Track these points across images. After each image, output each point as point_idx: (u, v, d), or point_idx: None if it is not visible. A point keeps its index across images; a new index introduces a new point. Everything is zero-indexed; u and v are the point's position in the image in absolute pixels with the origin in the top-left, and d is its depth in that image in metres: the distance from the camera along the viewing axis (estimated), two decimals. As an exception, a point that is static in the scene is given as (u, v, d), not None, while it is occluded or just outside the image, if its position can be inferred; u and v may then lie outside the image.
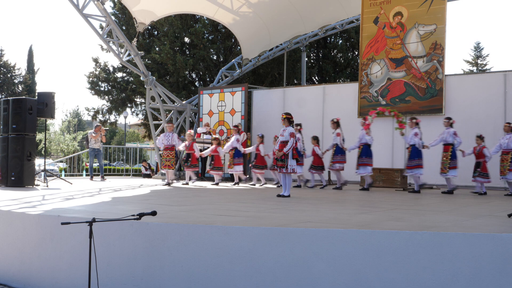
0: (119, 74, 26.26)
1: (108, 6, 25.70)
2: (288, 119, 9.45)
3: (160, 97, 16.50)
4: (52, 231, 5.83)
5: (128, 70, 24.51)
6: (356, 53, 25.22)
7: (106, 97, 26.46)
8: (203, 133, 15.57)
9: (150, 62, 23.19)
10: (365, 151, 11.71)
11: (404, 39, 14.12)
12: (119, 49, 15.44)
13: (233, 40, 22.81)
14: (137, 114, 30.23)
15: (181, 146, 13.19)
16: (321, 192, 11.25)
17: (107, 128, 17.11)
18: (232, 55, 22.96)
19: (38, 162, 13.70)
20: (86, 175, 18.07)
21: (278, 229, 4.99)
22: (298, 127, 12.06)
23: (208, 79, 24.00)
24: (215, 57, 24.18)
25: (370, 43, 14.68)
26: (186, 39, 24.08)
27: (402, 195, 10.70)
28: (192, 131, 14.29)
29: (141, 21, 15.75)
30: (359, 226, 5.25)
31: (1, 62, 42.00)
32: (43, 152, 20.51)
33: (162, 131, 16.07)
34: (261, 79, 23.57)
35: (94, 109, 27.61)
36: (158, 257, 5.19)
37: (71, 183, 12.37)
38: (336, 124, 12.19)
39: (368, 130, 11.86)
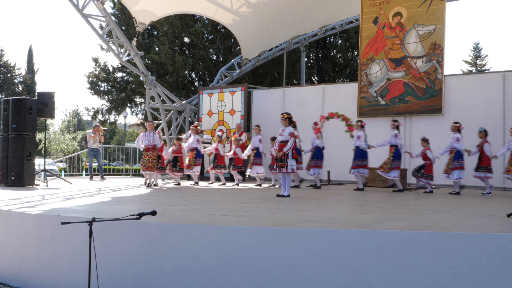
0: (119, 74, 26.27)
1: (108, 6, 25.73)
2: (289, 119, 9.45)
3: (160, 97, 16.50)
4: (52, 231, 5.83)
5: (127, 70, 24.52)
6: (356, 53, 25.23)
7: (106, 97, 26.47)
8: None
9: (149, 62, 23.19)
10: (317, 154, 12.33)
11: (403, 39, 14.13)
12: (119, 49, 15.44)
13: (232, 40, 22.82)
14: (136, 114, 30.26)
15: (167, 154, 12.85)
16: (321, 192, 11.25)
17: (106, 128, 17.08)
18: (231, 55, 22.96)
19: (38, 162, 13.70)
20: (86, 175, 18.06)
21: (278, 229, 5.00)
22: (396, 123, 11.94)
23: (207, 79, 24.00)
24: (214, 57, 24.19)
25: (370, 43, 14.69)
26: (186, 39, 24.09)
27: (402, 195, 10.70)
28: (184, 135, 14.16)
29: (140, 21, 15.75)
30: (359, 226, 5.25)
31: (1, 62, 41.98)
32: (43, 152, 20.51)
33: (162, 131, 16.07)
34: (260, 79, 23.58)
35: (93, 109, 27.63)
36: (158, 257, 5.19)
37: (71, 183, 12.37)
38: (259, 130, 12.88)
39: (318, 134, 12.48)
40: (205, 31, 23.14)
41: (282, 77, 22.01)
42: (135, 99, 26.62)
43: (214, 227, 5.12)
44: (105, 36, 15.00)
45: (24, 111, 11.23)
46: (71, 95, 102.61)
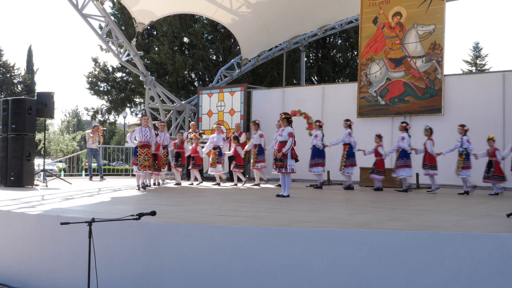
0: (118, 74, 26.27)
1: (108, 6, 25.73)
2: (287, 119, 9.46)
3: (160, 97, 16.49)
4: (51, 231, 5.83)
5: (127, 70, 24.51)
6: (355, 53, 25.23)
7: (106, 97, 26.46)
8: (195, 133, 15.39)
9: (149, 62, 23.19)
10: (316, 153, 12.38)
11: (403, 39, 14.13)
12: (119, 49, 15.44)
13: (232, 40, 22.81)
14: (136, 114, 30.24)
15: (187, 151, 12.93)
16: (321, 192, 11.25)
17: (105, 129, 17.07)
18: (231, 55, 22.95)
19: (38, 162, 13.69)
20: (86, 175, 18.05)
21: (278, 229, 4.99)
22: (348, 123, 12.42)
23: (207, 79, 23.99)
24: (214, 57, 24.18)
25: (369, 43, 14.69)
26: (186, 39, 24.08)
27: (402, 195, 10.70)
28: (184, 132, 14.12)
29: (140, 21, 15.74)
30: (359, 226, 5.25)
31: (1, 62, 41.97)
32: (42, 152, 20.50)
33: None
34: (260, 79, 23.58)
35: (93, 109, 27.62)
36: (158, 257, 5.19)
37: (71, 183, 12.36)
38: (257, 125, 12.92)
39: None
40: (204, 31, 23.14)
41: (281, 77, 22.01)
42: (134, 99, 26.61)
43: (214, 227, 5.12)
44: (105, 36, 15.00)
45: (24, 111, 11.22)
46: (71, 95, 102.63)
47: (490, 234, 4.55)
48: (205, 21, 22.93)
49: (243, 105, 15.93)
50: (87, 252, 4.35)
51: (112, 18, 19.82)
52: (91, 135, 14.76)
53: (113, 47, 15.25)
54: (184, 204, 7.76)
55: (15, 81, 43.05)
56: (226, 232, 5.02)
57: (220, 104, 16.51)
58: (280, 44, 18.93)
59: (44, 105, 11.48)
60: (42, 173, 12.18)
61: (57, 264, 5.77)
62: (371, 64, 14.60)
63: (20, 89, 42.48)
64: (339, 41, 26.11)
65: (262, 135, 12.91)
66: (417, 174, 12.43)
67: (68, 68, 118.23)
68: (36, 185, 11.40)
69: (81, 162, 27.83)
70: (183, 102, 18.07)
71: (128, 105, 27.43)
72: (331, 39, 26.03)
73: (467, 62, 40.94)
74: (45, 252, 5.90)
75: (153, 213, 4.47)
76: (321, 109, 15.47)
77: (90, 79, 26.09)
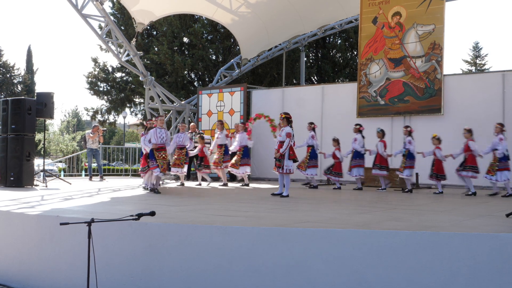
0: (118, 74, 26.26)
1: (107, 6, 25.68)
2: (287, 119, 9.42)
3: (159, 97, 16.49)
4: (51, 231, 5.83)
5: (127, 70, 24.50)
6: (355, 53, 25.23)
7: (105, 97, 26.46)
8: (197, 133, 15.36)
9: (149, 62, 23.18)
10: (246, 153, 12.67)
11: (402, 39, 14.13)
12: (118, 49, 15.43)
13: (232, 40, 22.81)
14: (136, 114, 30.23)
15: (195, 150, 12.75)
16: (320, 192, 11.25)
17: (105, 129, 17.07)
18: (231, 55, 22.95)
19: (37, 162, 13.68)
20: (85, 175, 18.06)
21: (277, 229, 4.99)
22: (312, 125, 12.62)
23: (207, 79, 23.99)
24: (214, 57, 24.18)
25: (369, 43, 14.69)
26: (185, 39, 24.08)
27: (401, 195, 10.70)
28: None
29: (140, 21, 15.73)
30: (358, 226, 5.25)
31: (0, 62, 41.95)
32: (42, 152, 20.51)
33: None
34: (260, 79, 23.57)
35: (93, 109, 27.62)
36: (157, 257, 5.19)
37: (70, 183, 12.36)
38: (223, 125, 13.14)
39: (249, 135, 13.16)
40: (204, 31, 23.13)
41: (281, 77, 22.00)
42: (134, 99, 26.61)
43: (214, 227, 5.12)
44: (104, 36, 14.99)
45: (23, 112, 11.22)
46: (71, 95, 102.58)
47: (490, 234, 4.55)
48: (204, 21, 22.93)
49: (242, 105, 15.93)
50: (87, 253, 4.35)
51: (112, 18, 19.78)
52: (91, 135, 14.75)
53: (113, 47, 15.25)
54: (183, 204, 7.76)
55: (15, 81, 43.04)
56: (226, 232, 5.03)
57: (219, 104, 16.51)
58: (280, 44, 18.93)
59: (43, 105, 11.48)
60: (41, 173, 12.17)
61: (57, 264, 5.77)
62: (370, 64, 14.60)
63: (20, 89, 42.47)
64: (339, 41, 26.10)
65: (227, 135, 13.03)
66: (417, 174, 12.43)
67: (68, 68, 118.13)
68: (36, 185, 11.40)
69: (81, 162, 27.83)
70: (182, 102, 18.06)
71: (128, 105, 27.43)
72: (331, 39, 26.03)
73: (466, 62, 40.93)
74: (44, 252, 5.91)
75: (152, 214, 4.47)
76: (320, 109, 15.47)
77: (90, 79, 26.09)
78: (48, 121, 24.86)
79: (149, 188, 10.54)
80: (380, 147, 11.66)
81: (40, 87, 59.31)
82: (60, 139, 40.93)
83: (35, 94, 12.42)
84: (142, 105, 27.03)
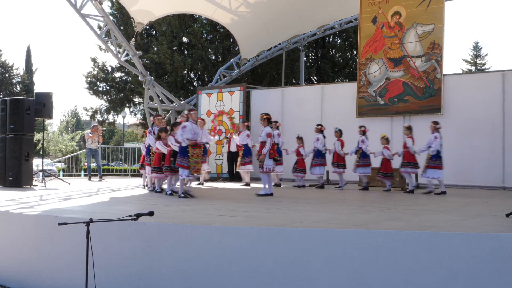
0: (118, 74, 26.25)
1: (106, 6, 25.71)
2: (268, 120, 9.64)
3: (159, 97, 16.47)
4: (50, 231, 5.82)
5: (126, 70, 24.48)
6: (355, 52, 25.22)
7: (105, 97, 26.44)
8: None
9: (148, 62, 23.17)
10: (247, 152, 12.70)
11: (402, 38, 14.12)
12: (117, 49, 15.42)
13: (231, 40, 22.79)
14: (135, 114, 30.22)
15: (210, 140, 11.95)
16: (320, 192, 11.24)
17: (104, 129, 17.04)
18: (230, 55, 22.93)
19: (36, 162, 13.68)
20: (85, 175, 18.03)
21: (277, 229, 4.98)
22: (277, 124, 12.65)
23: (206, 79, 23.98)
24: (213, 57, 24.16)
25: (369, 42, 14.67)
26: (185, 39, 24.07)
27: (400, 195, 10.69)
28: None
29: (139, 21, 15.72)
30: (358, 226, 5.24)
31: (-1, 62, 41.95)
32: (41, 152, 20.49)
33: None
34: (259, 79, 23.56)
35: (92, 109, 27.59)
36: (156, 258, 5.18)
37: (69, 183, 12.35)
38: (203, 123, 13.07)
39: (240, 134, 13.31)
40: (203, 31, 23.12)
41: (281, 77, 21.99)
42: (133, 99, 26.61)
43: (213, 227, 5.11)
44: (104, 36, 14.98)
45: (22, 112, 11.20)
46: (70, 95, 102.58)
47: (489, 234, 4.54)
48: (204, 21, 22.91)
49: (242, 105, 15.91)
50: (85, 253, 4.34)
51: (111, 18, 19.77)
52: (90, 135, 14.74)
53: (112, 47, 15.23)
54: (183, 204, 7.75)
55: (14, 81, 43.05)
56: (225, 232, 5.01)
57: (219, 104, 16.49)
58: (279, 44, 18.92)
59: (42, 105, 11.46)
60: (40, 173, 12.16)
61: (56, 264, 5.76)
62: (370, 64, 14.59)
63: (18, 89, 42.47)
64: (339, 41, 26.10)
65: (248, 135, 12.90)
66: (416, 174, 12.41)
67: (67, 68, 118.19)
68: (35, 185, 11.38)
69: (80, 162, 27.82)
70: (182, 102, 18.05)
71: (127, 105, 27.42)
72: (331, 39, 26.03)
73: (466, 61, 40.94)
74: (43, 252, 5.89)
75: (151, 214, 4.46)
76: (320, 109, 15.46)
77: (89, 79, 26.07)
78: (47, 121, 24.83)
79: (167, 192, 9.59)
80: (337, 146, 12.12)
81: (39, 87, 59.26)
82: (59, 139, 40.94)
83: (34, 94, 12.40)
84: (141, 105, 27.01)
